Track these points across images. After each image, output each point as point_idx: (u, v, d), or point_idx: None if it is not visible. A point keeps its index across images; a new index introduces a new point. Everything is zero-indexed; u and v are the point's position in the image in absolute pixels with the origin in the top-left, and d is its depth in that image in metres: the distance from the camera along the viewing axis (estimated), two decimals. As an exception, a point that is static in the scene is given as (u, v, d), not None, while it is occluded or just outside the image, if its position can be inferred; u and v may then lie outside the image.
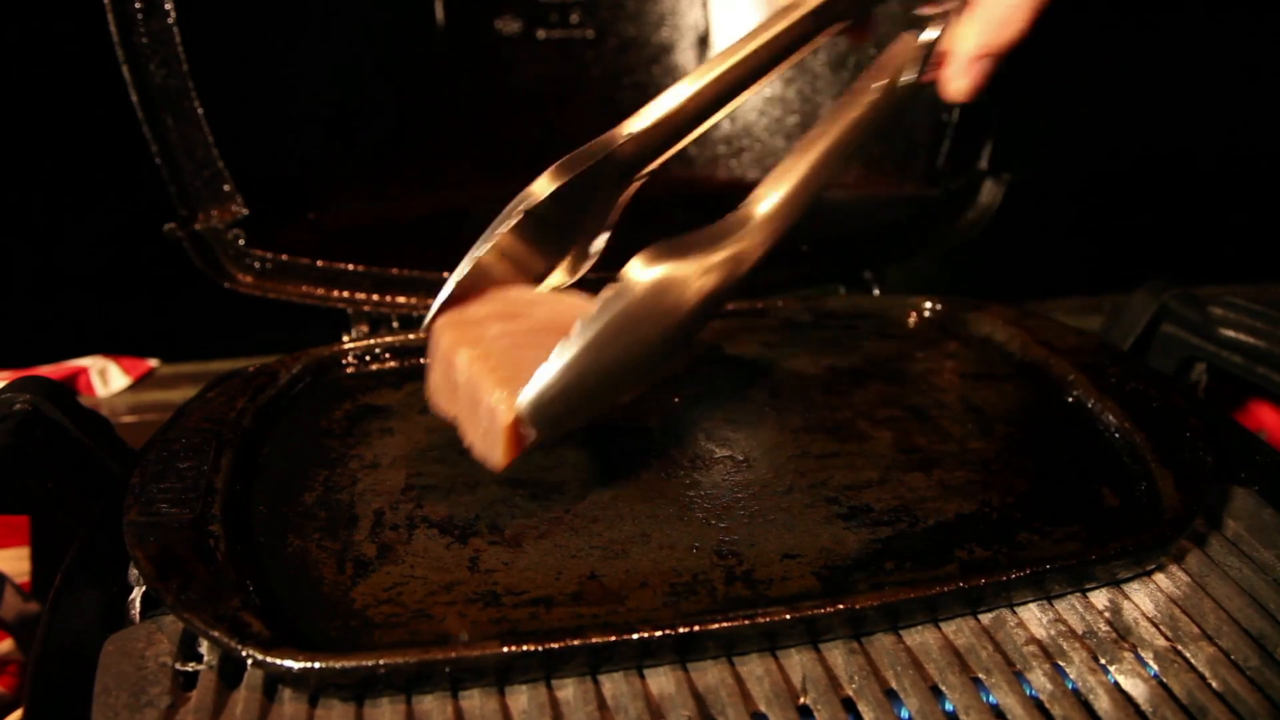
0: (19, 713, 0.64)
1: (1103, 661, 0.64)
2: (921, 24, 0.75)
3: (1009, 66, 0.73)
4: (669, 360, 0.67)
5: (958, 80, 0.76)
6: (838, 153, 0.71)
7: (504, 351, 0.64)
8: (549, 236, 0.70)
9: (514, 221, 0.68)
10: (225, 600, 0.62)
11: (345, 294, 1.04)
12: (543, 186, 0.69)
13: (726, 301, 0.68)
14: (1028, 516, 0.75)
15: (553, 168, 0.71)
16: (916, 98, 0.76)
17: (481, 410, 0.64)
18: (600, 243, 0.74)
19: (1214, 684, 0.62)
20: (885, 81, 0.74)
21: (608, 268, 1.07)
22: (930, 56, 0.75)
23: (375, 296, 1.04)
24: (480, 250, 0.69)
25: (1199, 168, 1.53)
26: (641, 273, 0.64)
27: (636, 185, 0.75)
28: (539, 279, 0.74)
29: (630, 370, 0.64)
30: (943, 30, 0.74)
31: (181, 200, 0.98)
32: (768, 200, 0.69)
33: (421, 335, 0.99)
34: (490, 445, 0.65)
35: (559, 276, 0.74)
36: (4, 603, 0.86)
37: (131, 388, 1.22)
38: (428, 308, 1.04)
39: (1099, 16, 1.33)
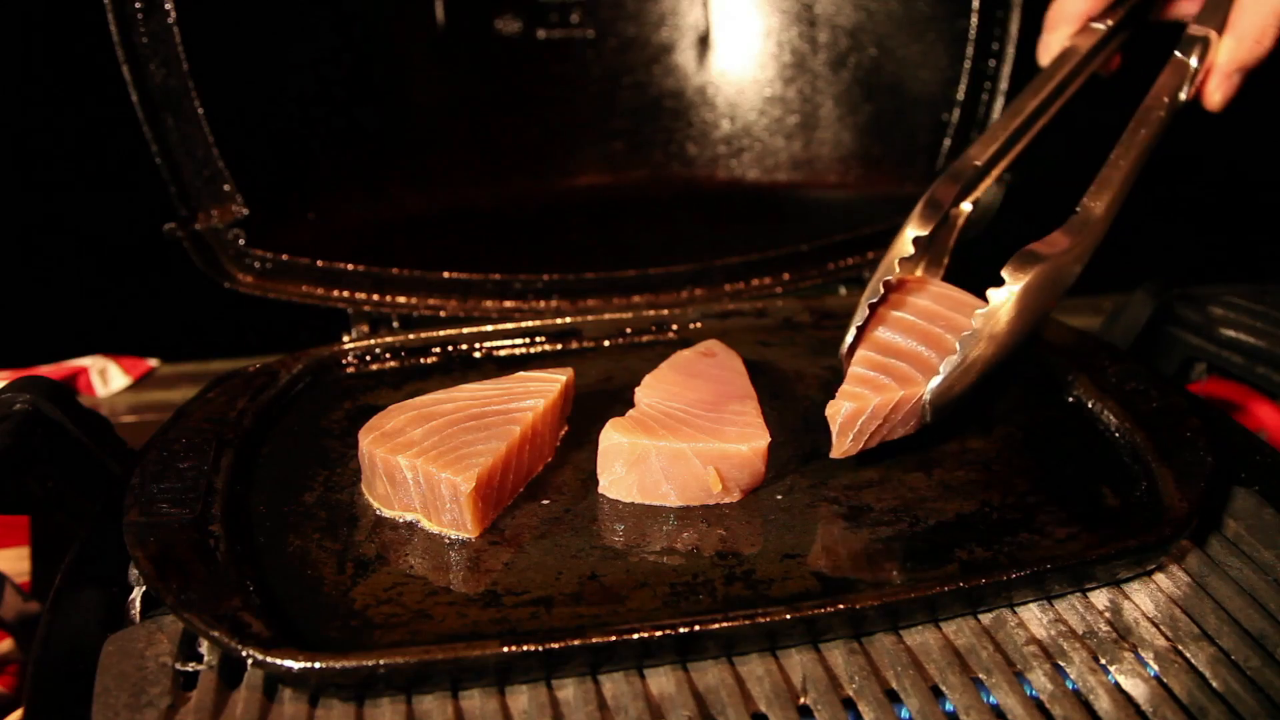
0: (19, 713, 0.64)
1: (1103, 661, 0.64)
2: (1187, 47, 0.89)
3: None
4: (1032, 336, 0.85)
5: (1217, 93, 0.90)
6: (1138, 165, 0.87)
7: (437, 445, 0.74)
8: (919, 250, 0.91)
9: (907, 252, 0.87)
10: (225, 600, 0.62)
11: (345, 294, 1.04)
12: (923, 218, 0.88)
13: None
14: (1028, 516, 0.75)
15: (924, 198, 0.89)
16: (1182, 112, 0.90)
17: (442, 492, 0.72)
18: (950, 243, 0.96)
19: (1214, 684, 0.62)
20: (1167, 101, 0.89)
21: (604, 268, 1.08)
22: (1195, 75, 0.89)
23: (375, 296, 1.04)
24: (883, 275, 0.87)
25: (1199, 168, 1.53)
26: (1027, 263, 0.79)
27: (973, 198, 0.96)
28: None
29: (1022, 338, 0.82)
30: (1204, 51, 0.89)
31: (181, 200, 0.98)
32: (1097, 204, 0.85)
33: (422, 335, 0.99)
34: (461, 517, 0.72)
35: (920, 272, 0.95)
36: (4, 603, 0.86)
37: (131, 388, 1.22)
38: (428, 307, 1.05)
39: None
